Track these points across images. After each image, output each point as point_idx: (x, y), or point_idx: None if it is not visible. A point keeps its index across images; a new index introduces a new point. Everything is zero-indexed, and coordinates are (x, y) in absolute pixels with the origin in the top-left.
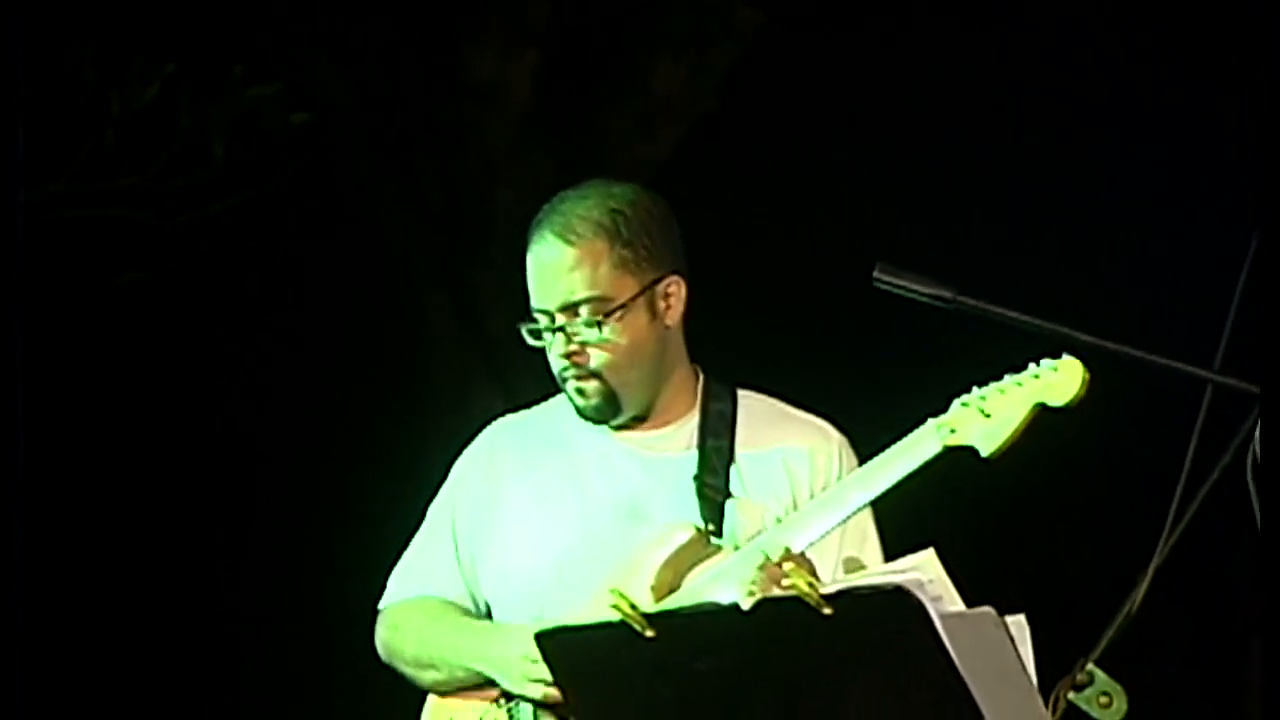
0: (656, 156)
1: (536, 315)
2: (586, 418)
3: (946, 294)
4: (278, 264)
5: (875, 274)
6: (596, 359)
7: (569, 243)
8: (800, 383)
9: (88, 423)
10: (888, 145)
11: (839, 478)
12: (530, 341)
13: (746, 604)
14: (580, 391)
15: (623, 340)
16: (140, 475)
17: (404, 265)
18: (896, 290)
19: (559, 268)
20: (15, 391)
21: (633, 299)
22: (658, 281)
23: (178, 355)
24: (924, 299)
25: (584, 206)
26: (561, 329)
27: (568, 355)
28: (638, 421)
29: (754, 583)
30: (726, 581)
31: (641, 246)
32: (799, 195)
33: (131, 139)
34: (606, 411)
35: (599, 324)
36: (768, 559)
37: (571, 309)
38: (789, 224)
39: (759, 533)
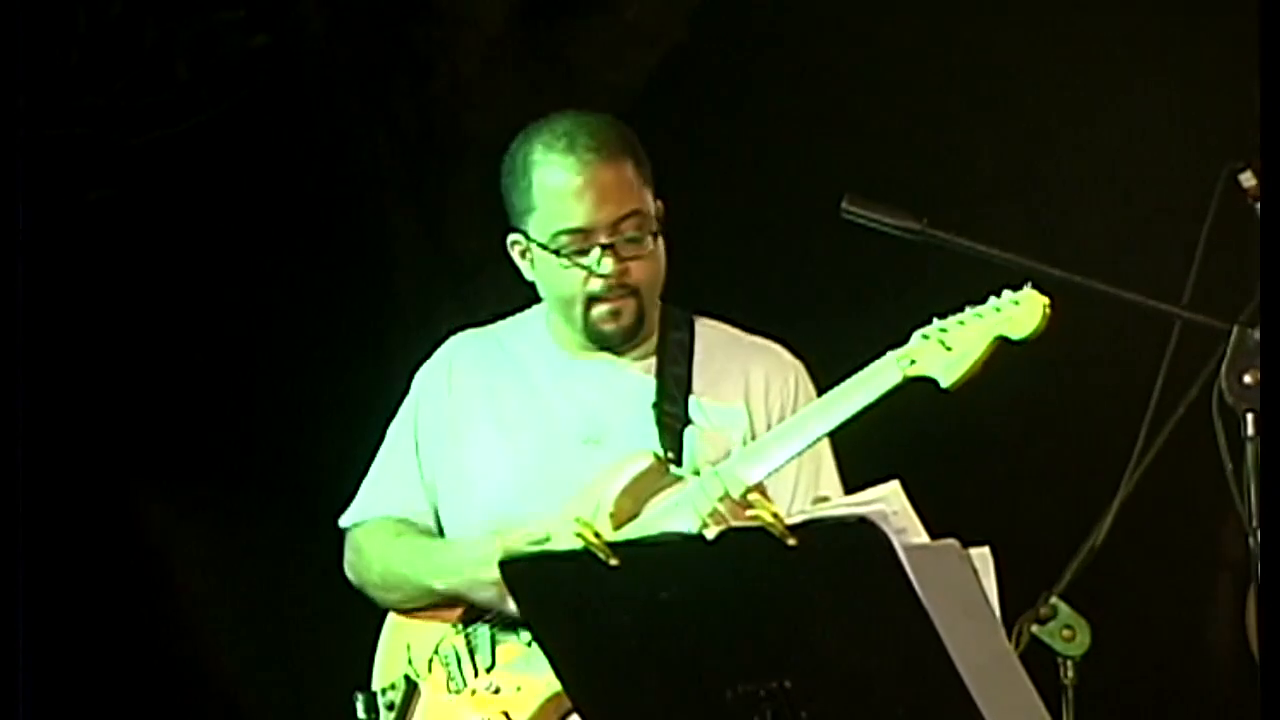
0: (627, 85)
1: (565, 236)
2: (612, 342)
3: (915, 225)
4: (247, 184)
5: (844, 205)
6: (637, 274)
7: (607, 157)
8: (769, 312)
9: (57, 331)
10: (860, 76)
11: (795, 401)
12: (564, 264)
13: (711, 533)
14: (615, 313)
15: (657, 257)
16: (106, 386)
17: (373, 187)
18: (865, 221)
19: (606, 183)
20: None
21: (658, 216)
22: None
23: (145, 269)
24: (893, 230)
25: (603, 126)
26: (611, 246)
27: (618, 273)
28: (620, 346)
29: (711, 514)
30: (685, 510)
31: (648, 166)
32: (770, 125)
33: (95, 58)
34: (634, 333)
35: (647, 238)
36: (727, 493)
37: (617, 225)
38: (759, 154)
39: (718, 460)
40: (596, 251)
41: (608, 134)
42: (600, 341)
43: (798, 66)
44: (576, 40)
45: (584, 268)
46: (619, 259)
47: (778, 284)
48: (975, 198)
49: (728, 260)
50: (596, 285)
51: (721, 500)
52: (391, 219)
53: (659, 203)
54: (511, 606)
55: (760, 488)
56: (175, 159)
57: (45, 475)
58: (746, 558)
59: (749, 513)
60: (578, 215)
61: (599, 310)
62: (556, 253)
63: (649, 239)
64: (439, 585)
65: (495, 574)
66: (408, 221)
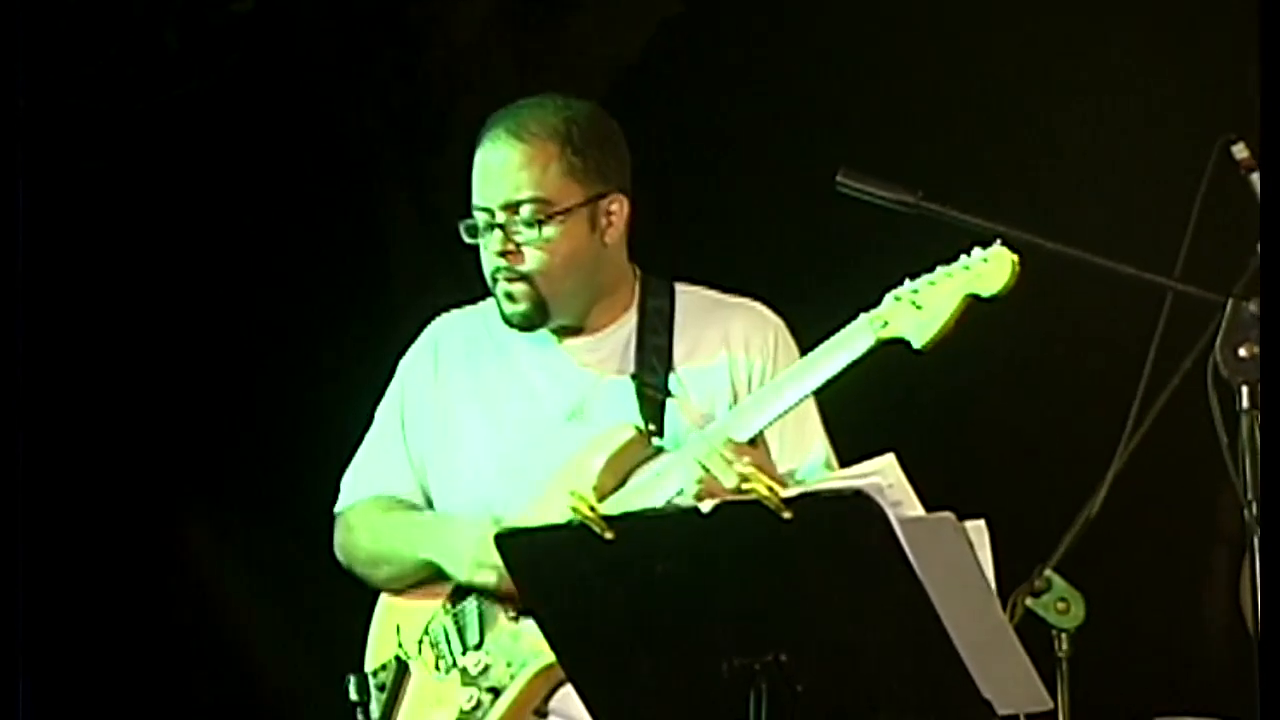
0: (621, 59)
1: (477, 213)
2: (512, 325)
3: (910, 198)
4: (237, 157)
5: (839, 178)
6: (531, 261)
7: (521, 140)
8: (761, 283)
9: (49, 307)
10: (855, 49)
11: (775, 358)
12: (466, 239)
13: (705, 506)
14: (509, 295)
15: (560, 246)
16: (96, 361)
17: (365, 163)
18: (860, 194)
19: (507, 165)
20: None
21: (576, 206)
22: (602, 196)
23: (135, 242)
24: (887, 203)
25: (540, 111)
26: (500, 226)
27: (503, 254)
28: (573, 327)
29: (699, 481)
30: (668, 478)
31: (591, 158)
32: (766, 98)
33: (84, 27)
34: (534, 318)
35: (539, 224)
36: (720, 446)
37: (513, 207)
38: (755, 127)
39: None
40: (487, 233)
41: (538, 119)
42: (509, 325)
43: (793, 39)
44: (569, 14)
45: (481, 245)
46: (506, 240)
47: (770, 255)
48: (968, 171)
49: (718, 233)
50: (490, 265)
51: (709, 456)
52: (384, 194)
53: (618, 197)
54: (492, 587)
55: (754, 446)
56: (164, 131)
57: (41, 449)
58: (742, 531)
59: (744, 485)
60: (478, 194)
61: (498, 291)
62: (472, 230)
63: (547, 228)
64: (424, 554)
65: (479, 559)
66: (400, 197)
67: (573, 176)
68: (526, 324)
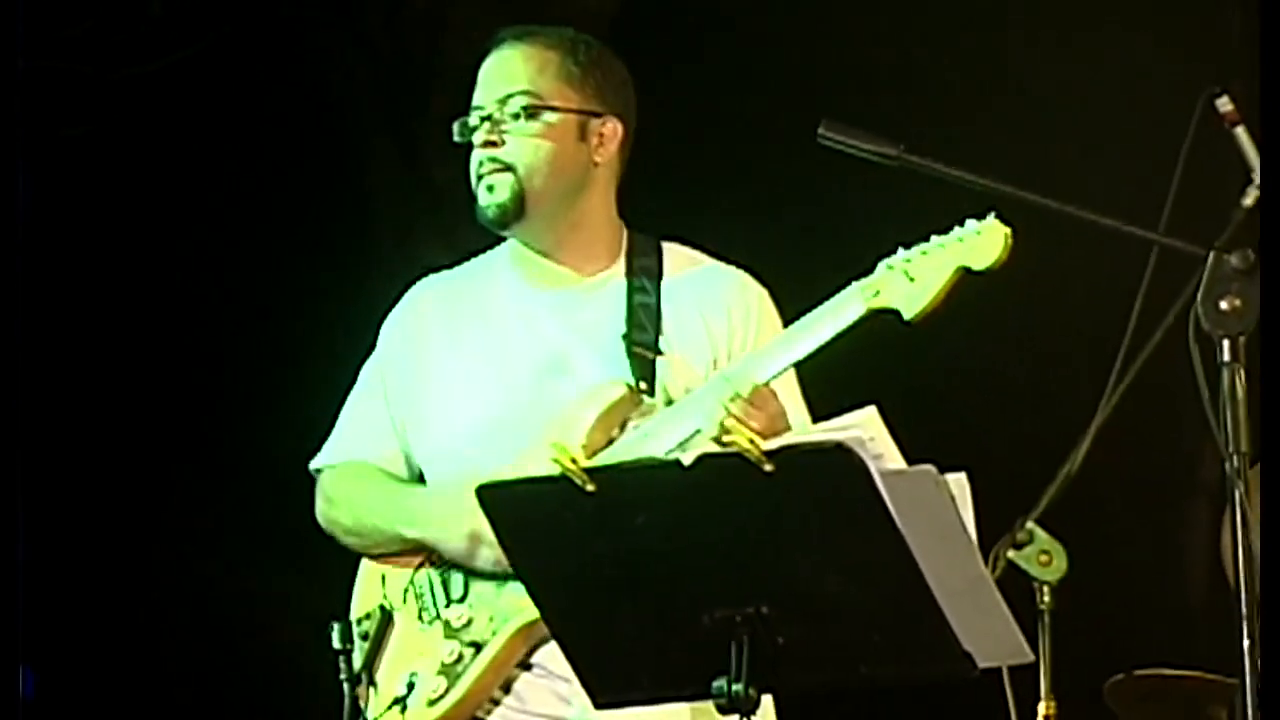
0: (605, 10)
1: (472, 114)
2: (489, 220)
3: (892, 151)
4: (222, 115)
5: (821, 131)
6: (514, 151)
7: (525, 42)
8: (743, 239)
9: (31, 273)
10: (836, 4)
11: (757, 328)
12: (457, 138)
13: (687, 459)
14: (490, 188)
15: (545, 141)
16: (79, 327)
17: (349, 114)
18: (841, 146)
19: (506, 64)
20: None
21: (566, 109)
22: (597, 115)
23: (121, 206)
24: (869, 155)
25: (551, 29)
26: (490, 119)
27: (488, 143)
28: (553, 267)
29: (720, 422)
30: (658, 439)
31: (592, 75)
32: (748, 50)
33: None
34: (510, 212)
35: (526, 114)
36: (736, 394)
37: (505, 100)
38: (738, 79)
39: (687, 390)
40: (480, 126)
41: (548, 32)
42: (486, 225)
43: None
44: None
45: (474, 143)
46: (493, 130)
47: (747, 209)
48: (951, 124)
49: (698, 187)
50: (477, 160)
51: (731, 400)
52: (368, 145)
53: (614, 121)
54: (481, 561)
55: (766, 394)
56: (146, 97)
57: (32, 413)
58: (723, 483)
59: (726, 438)
60: (475, 98)
61: (480, 188)
62: (464, 128)
63: (534, 121)
64: (409, 533)
65: (466, 528)
66: (385, 148)
67: (569, 83)
68: (502, 218)
